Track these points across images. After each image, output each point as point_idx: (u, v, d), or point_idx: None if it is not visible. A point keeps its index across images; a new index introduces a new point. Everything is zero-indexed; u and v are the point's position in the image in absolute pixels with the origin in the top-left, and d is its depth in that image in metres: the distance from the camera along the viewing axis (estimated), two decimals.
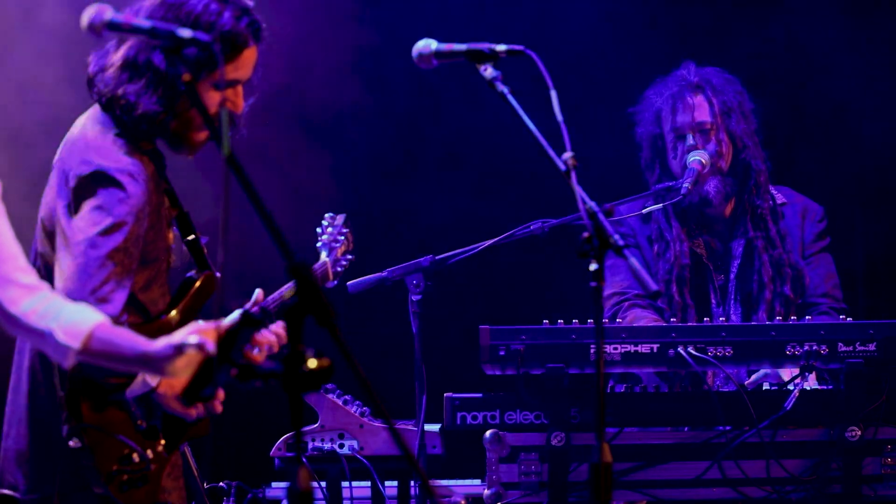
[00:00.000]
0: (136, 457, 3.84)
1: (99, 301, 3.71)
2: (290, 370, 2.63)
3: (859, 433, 4.30)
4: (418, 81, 6.34)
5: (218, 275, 4.05)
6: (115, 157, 3.87)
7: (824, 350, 4.31)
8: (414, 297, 4.47)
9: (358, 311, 6.17)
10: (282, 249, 2.72)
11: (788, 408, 4.30)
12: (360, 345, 6.11)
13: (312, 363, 2.62)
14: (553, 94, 3.32)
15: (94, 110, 3.97)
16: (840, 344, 4.31)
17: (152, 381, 3.80)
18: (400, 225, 6.72)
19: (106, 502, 3.86)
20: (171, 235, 4.07)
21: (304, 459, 4.59)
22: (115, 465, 3.82)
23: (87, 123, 3.94)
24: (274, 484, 5.40)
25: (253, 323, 2.74)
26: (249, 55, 3.93)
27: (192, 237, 4.10)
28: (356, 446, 4.81)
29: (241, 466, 5.44)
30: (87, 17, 3.12)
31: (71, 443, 3.77)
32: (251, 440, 5.51)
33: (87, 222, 3.79)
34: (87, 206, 3.81)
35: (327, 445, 4.81)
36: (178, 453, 4.07)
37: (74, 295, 3.67)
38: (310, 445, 4.79)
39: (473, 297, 6.56)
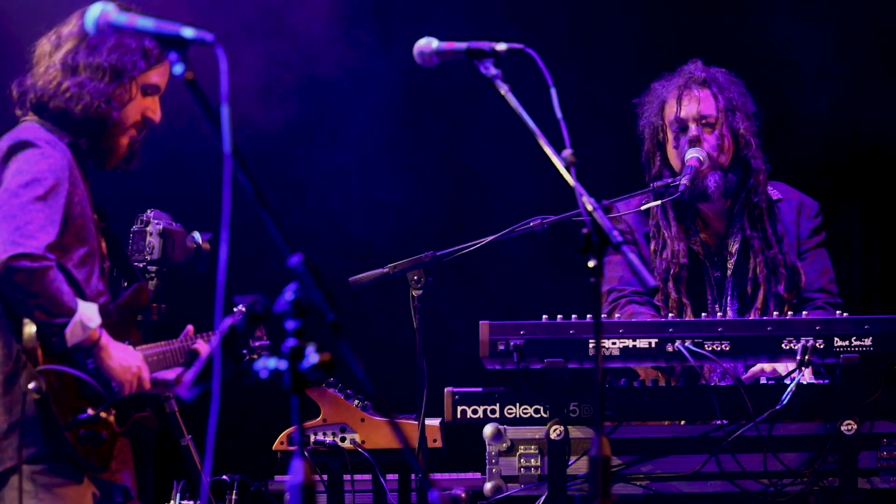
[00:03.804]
0: (90, 410, 4.06)
1: (24, 237, 3.98)
2: (293, 365, 2.66)
3: (855, 427, 4.32)
4: (419, 78, 6.37)
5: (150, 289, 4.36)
6: (34, 132, 4.17)
7: (820, 345, 4.33)
8: (415, 293, 4.49)
9: (360, 307, 6.20)
10: (283, 246, 2.75)
11: (785, 402, 4.32)
12: (361, 340, 6.16)
13: (314, 358, 2.65)
14: (553, 91, 3.35)
15: (24, 124, 4.24)
16: (836, 339, 4.33)
17: (91, 323, 4.05)
18: (401, 221, 6.75)
19: (65, 461, 4.06)
20: (103, 243, 4.32)
21: (305, 453, 4.63)
22: (70, 415, 4.05)
23: (14, 129, 4.23)
24: (276, 477, 5.44)
25: (256, 318, 2.76)
26: (166, 67, 4.24)
27: (121, 257, 4.41)
28: (357, 440, 4.84)
29: (243, 460, 5.47)
30: (91, 17, 3.14)
31: (31, 385, 3.95)
32: (254, 434, 5.55)
33: (9, 182, 4.06)
34: (10, 171, 4.09)
35: (329, 439, 4.85)
36: (129, 445, 4.29)
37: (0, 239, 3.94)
38: (312, 439, 4.82)
39: (474, 292, 6.58)
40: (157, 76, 4.27)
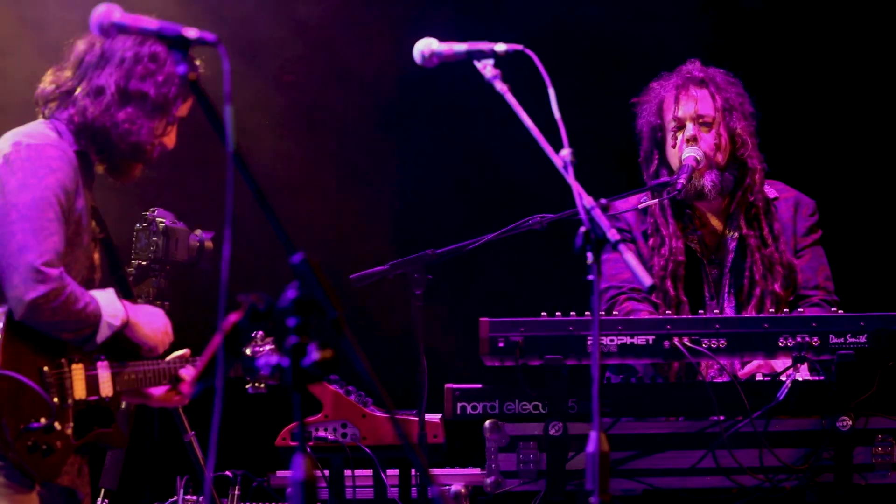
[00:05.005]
0: (43, 420, 4.01)
1: (46, 265, 3.97)
2: (295, 361, 2.69)
3: (850, 423, 4.35)
4: (419, 78, 6.40)
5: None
6: (46, 138, 4.13)
7: (816, 342, 4.36)
8: (415, 290, 4.51)
9: (361, 304, 6.23)
10: (286, 245, 2.78)
11: (781, 398, 4.35)
12: (362, 336, 6.19)
13: (316, 355, 2.68)
14: (551, 91, 3.38)
15: (38, 122, 4.20)
16: (831, 336, 4.36)
17: (116, 321, 4.12)
18: (401, 219, 6.77)
19: (13, 467, 4.02)
20: (96, 254, 4.29)
21: (307, 449, 4.66)
22: (22, 424, 4.00)
23: (24, 127, 4.18)
24: (279, 473, 5.47)
25: (259, 317, 2.80)
26: (193, 99, 4.24)
27: (118, 271, 4.37)
28: (358, 435, 4.87)
29: (246, 456, 5.50)
30: (95, 17, 3.14)
31: None
32: (256, 430, 5.59)
33: (17, 197, 4.03)
34: (16, 178, 4.06)
35: (330, 435, 4.88)
36: (86, 462, 4.23)
37: None
38: (313, 435, 4.85)
39: (473, 290, 6.61)
40: (185, 109, 4.28)
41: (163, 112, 4.22)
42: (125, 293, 4.35)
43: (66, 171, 4.10)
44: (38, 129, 4.19)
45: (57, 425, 4.05)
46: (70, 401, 4.12)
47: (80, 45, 4.25)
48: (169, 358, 4.41)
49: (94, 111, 4.17)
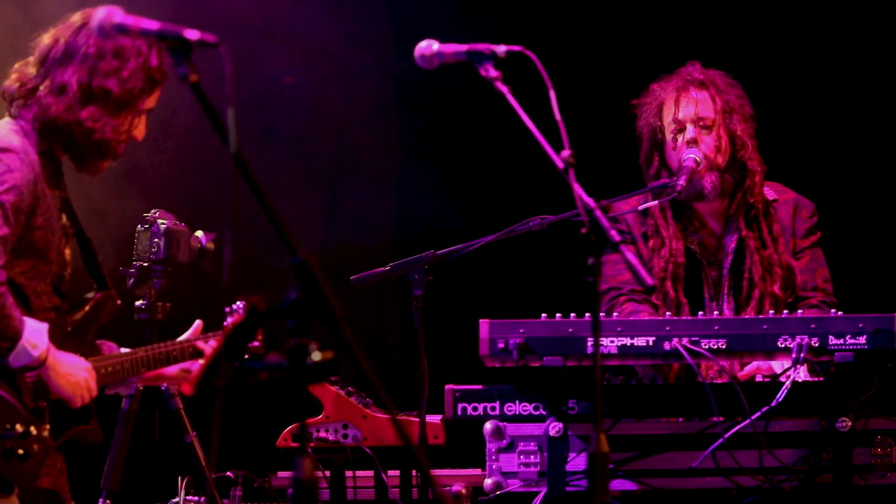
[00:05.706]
0: (19, 427, 3.96)
1: None
2: (296, 363, 2.70)
3: (850, 424, 4.35)
4: (418, 79, 6.41)
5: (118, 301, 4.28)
6: (8, 139, 4.04)
7: (815, 343, 4.37)
8: (416, 292, 4.52)
9: (362, 305, 6.24)
10: (287, 246, 2.79)
11: (780, 399, 4.36)
12: (363, 337, 6.21)
13: (317, 356, 2.69)
14: (552, 93, 3.39)
15: (3, 123, 4.13)
16: (831, 337, 4.36)
17: (34, 351, 3.96)
18: (402, 220, 6.79)
19: None
20: (67, 250, 4.21)
21: (308, 449, 4.67)
22: None
23: None
24: (280, 473, 5.50)
25: (259, 317, 2.81)
26: (159, 90, 4.17)
27: (92, 263, 4.27)
28: (359, 436, 4.89)
29: (247, 457, 5.52)
30: (96, 18, 3.15)
31: None
32: (257, 431, 5.60)
33: None
34: None
35: (331, 436, 4.89)
36: (62, 458, 4.17)
37: None
38: (314, 436, 4.87)
39: (474, 291, 6.62)
40: (153, 100, 4.20)
41: (128, 108, 4.12)
42: (100, 285, 4.28)
43: (24, 173, 4.01)
44: (2, 132, 4.10)
45: (33, 430, 4.00)
46: (45, 402, 4.07)
47: (45, 41, 4.16)
48: (182, 337, 4.37)
49: (56, 109, 4.08)
